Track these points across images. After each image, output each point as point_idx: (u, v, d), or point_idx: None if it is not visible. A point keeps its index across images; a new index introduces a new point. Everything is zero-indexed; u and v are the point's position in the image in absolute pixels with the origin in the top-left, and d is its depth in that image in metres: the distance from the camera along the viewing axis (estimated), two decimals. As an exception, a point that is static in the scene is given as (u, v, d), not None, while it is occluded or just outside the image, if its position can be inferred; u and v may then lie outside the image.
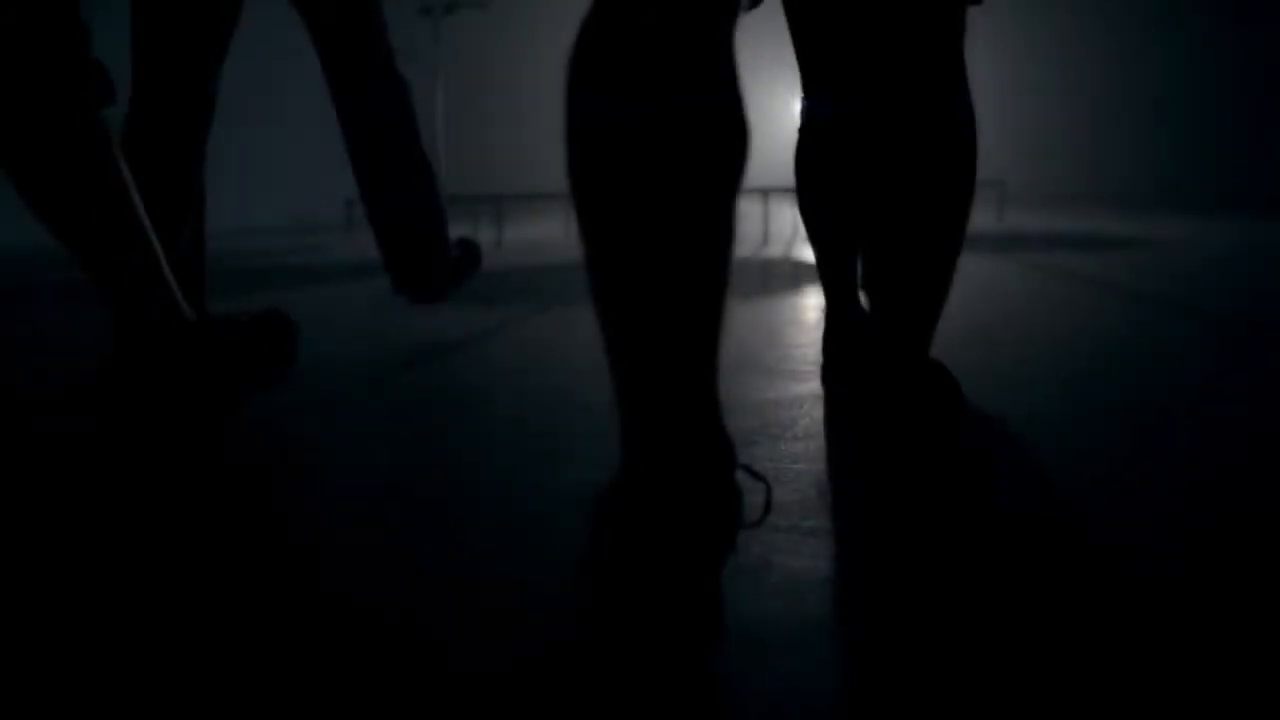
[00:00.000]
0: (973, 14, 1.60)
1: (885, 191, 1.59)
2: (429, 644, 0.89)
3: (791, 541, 1.10)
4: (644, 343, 0.82)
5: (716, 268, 0.83)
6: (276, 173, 10.59)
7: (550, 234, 7.80)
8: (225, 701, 0.80)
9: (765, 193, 6.45)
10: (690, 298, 0.82)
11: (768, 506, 0.89)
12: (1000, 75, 11.38)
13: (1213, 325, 2.55)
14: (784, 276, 4.19)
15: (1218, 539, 1.08)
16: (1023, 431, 1.56)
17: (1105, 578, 0.99)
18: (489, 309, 3.30)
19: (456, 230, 8.54)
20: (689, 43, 0.80)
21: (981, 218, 7.49)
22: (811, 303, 3.26)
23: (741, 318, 2.97)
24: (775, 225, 7.75)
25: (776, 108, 12.05)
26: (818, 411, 1.72)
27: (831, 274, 1.75)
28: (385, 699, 0.80)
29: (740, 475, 1.08)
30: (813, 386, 1.92)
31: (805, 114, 1.69)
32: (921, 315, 1.59)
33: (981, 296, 3.29)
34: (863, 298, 1.74)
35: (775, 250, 5.58)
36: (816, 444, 1.50)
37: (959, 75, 1.56)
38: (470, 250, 2.61)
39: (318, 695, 0.81)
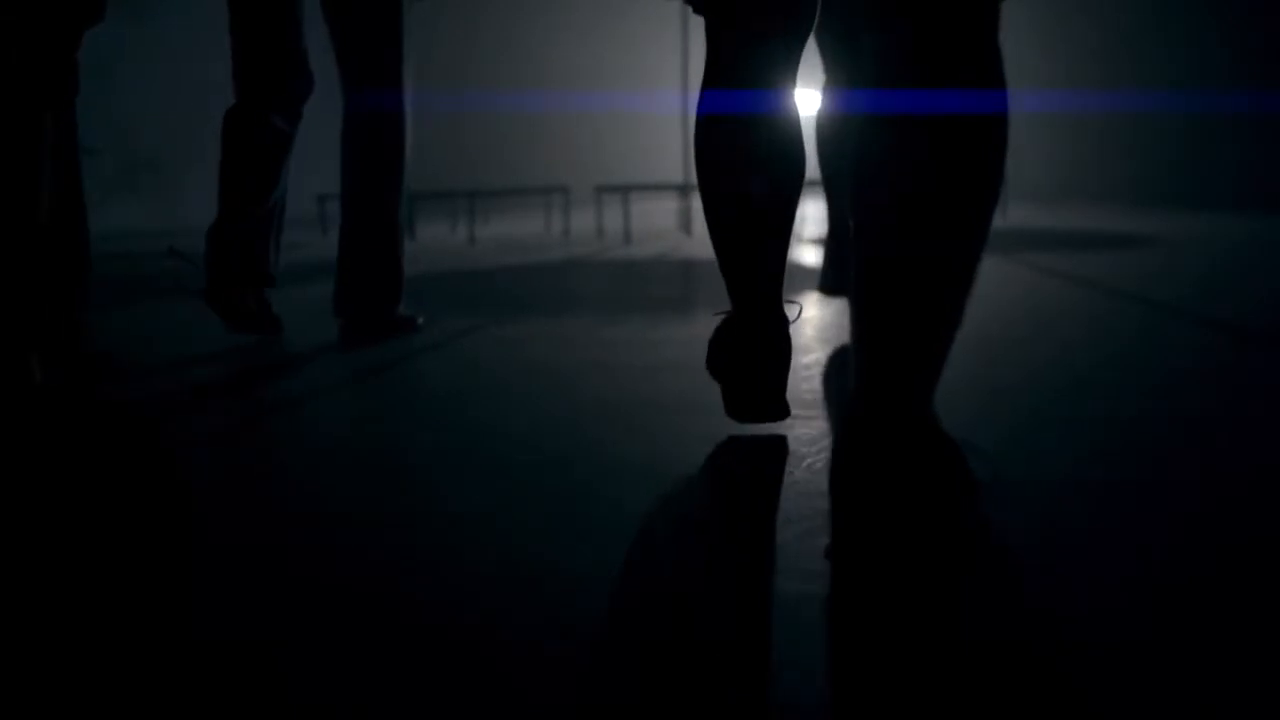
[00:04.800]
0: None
1: (881, 192, 1.23)
2: (411, 644, 0.90)
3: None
4: (729, 254, 1.57)
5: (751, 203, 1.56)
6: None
7: (531, 231, 7.45)
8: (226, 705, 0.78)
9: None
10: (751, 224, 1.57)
11: (799, 313, 1.90)
12: (1007, 65, 11.09)
13: (1224, 334, 2.37)
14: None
15: (1215, 579, 0.99)
16: (1020, 457, 1.42)
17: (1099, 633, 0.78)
18: (460, 314, 2.96)
19: (436, 229, 8.16)
20: (718, 68, 1.60)
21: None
22: (808, 315, 2.90)
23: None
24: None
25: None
26: (767, 470, 1.36)
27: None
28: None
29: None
30: (766, 439, 1.56)
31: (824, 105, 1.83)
32: (920, 347, 1.21)
33: (981, 301, 2.97)
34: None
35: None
36: (751, 531, 1.14)
37: (980, 59, 1.21)
38: (414, 321, 2.79)
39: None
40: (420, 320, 2.81)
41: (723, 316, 1.92)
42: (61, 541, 1.19)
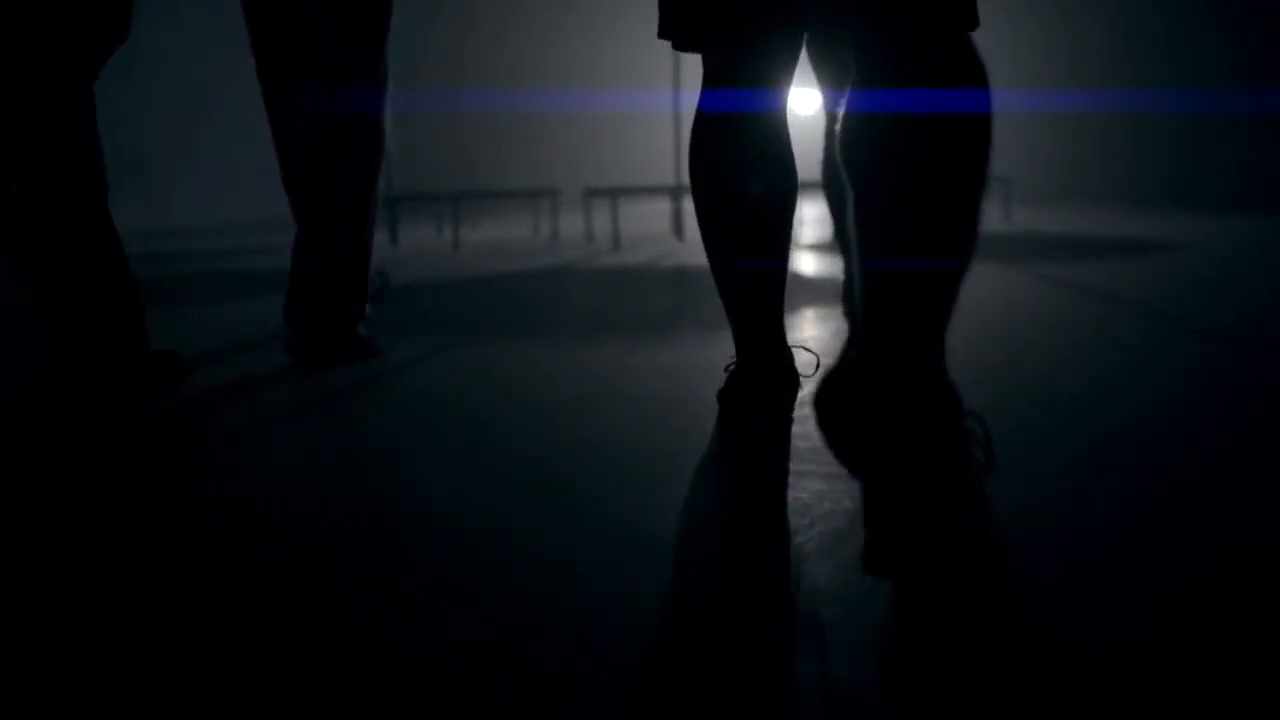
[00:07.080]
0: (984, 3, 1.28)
1: (880, 192, 1.23)
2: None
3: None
4: (728, 287, 1.72)
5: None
6: (246, 169, 10.29)
7: (519, 235, 7.44)
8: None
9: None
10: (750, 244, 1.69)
11: (818, 365, 1.86)
12: (1008, 65, 11.08)
13: (1225, 338, 2.34)
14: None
15: (1215, 579, 0.97)
16: (1021, 458, 1.38)
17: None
18: (438, 330, 2.95)
19: (421, 232, 8.10)
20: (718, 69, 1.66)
21: (987, 218, 7.17)
22: (806, 335, 2.89)
23: (711, 356, 2.61)
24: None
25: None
26: (755, 555, 1.35)
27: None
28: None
29: (797, 352, 1.82)
30: (759, 498, 1.55)
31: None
32: (923, 332, 1.20)
33: (983, 307, 2.95)
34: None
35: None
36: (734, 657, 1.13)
37: (972, 58, 1.21)
38: (375, 344, 2.54)
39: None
40: (381, 342, 2.52)
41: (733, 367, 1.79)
42: (67, 548, 1.19)
